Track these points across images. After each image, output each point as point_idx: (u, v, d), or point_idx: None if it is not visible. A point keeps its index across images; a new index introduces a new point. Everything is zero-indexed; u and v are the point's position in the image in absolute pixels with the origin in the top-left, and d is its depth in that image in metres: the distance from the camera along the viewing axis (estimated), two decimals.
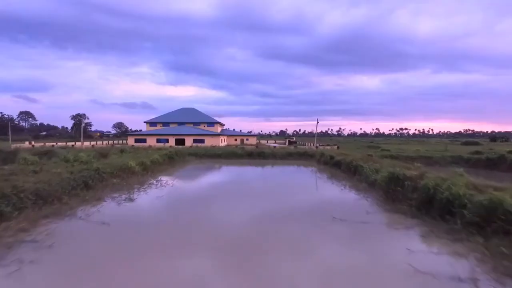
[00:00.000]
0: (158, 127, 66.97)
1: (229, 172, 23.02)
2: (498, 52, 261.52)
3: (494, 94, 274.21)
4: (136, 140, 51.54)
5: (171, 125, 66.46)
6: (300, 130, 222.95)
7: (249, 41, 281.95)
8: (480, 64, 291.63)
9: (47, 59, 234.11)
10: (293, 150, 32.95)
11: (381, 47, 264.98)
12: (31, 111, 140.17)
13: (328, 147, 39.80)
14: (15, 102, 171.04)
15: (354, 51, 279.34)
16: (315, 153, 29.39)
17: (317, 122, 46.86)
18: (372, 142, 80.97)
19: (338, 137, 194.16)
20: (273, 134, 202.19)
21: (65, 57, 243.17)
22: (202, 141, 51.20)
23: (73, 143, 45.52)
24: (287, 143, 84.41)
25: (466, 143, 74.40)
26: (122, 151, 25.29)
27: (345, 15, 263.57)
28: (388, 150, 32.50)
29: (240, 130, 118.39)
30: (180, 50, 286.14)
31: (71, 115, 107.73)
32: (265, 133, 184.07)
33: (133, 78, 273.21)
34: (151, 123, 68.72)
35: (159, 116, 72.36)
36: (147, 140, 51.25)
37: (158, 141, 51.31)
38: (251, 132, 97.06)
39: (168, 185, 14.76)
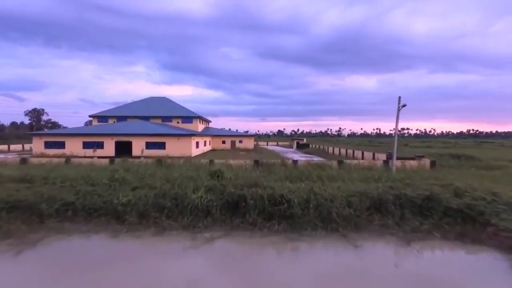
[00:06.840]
0: (111, 122, 45.44)
1: None
2: (493, 53, 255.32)
3: (490, 94, 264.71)
4: (48, 144, 29.81)
5: (129, 120, 45.08)
6: (298, 129, 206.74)
7: (245, 40, 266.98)
8: (476, 65, 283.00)
9: (40, 57, 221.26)
10: (368, 183, 11.63)
11: (377, 48, 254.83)
12: (22, 109, 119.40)
13: (416, 163, 17.91)
14: (3, 101, 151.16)
15: (350, 51, 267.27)
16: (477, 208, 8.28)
17: (399, 107, 15.89)
18: (429, 146, 59.59)
19: (338, 137, 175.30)
20: (271, 134, 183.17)
21: (59, 56, 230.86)
22: (162, 145, 29.87)
23: None
24: (294, 145, 63.21)
25: None
26: None
27: (341, 15, 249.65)
28: None
29: (236, 130, 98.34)
30: (176, 49, 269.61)
31: (25, 110, 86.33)
32: (262, 133, 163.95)
33: (128, 77, 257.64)
34: (101, 117, 47.09)
35: (113, 108, 50.67)
36: (66, 144, 29.75)
37: (86, 145, 29.86)
38: (248, 132, 76.04)
39: None
